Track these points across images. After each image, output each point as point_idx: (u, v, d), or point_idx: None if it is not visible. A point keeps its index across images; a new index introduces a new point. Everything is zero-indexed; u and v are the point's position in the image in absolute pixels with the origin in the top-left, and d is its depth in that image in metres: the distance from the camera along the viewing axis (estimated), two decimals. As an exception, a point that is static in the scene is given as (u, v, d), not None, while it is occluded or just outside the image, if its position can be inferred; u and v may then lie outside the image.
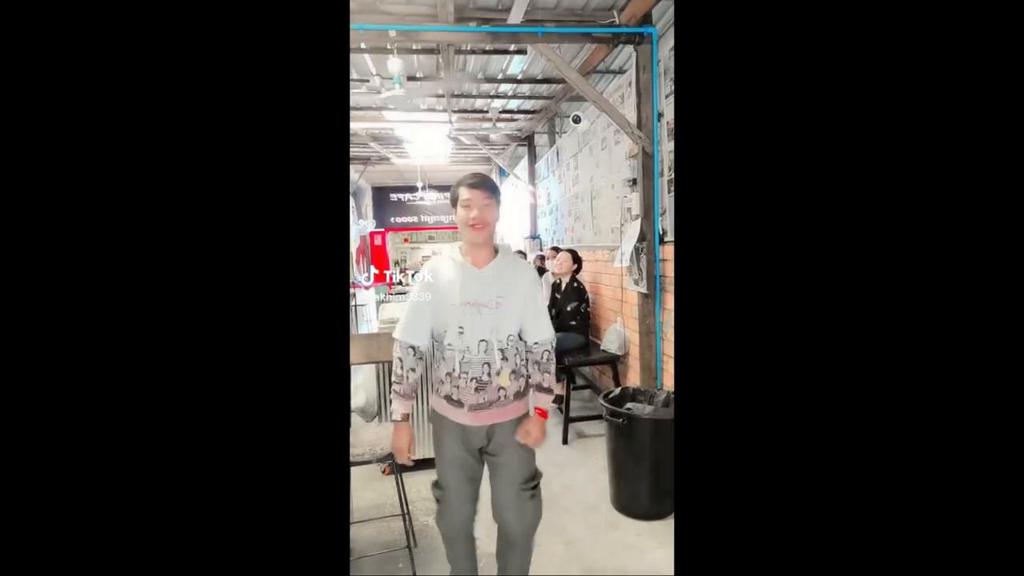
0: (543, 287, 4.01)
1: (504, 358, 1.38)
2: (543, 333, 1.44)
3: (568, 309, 3.29)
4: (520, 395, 1.43)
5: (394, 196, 10.02)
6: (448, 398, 1.39)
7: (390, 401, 1.40)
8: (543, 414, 1.40)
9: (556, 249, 3.79)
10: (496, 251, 1.42)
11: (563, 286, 3.40)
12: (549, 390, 1.43)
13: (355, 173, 7.64)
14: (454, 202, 1.39)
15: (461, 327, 1.34)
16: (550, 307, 3.56)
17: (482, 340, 1.35)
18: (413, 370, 1.41)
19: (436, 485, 1.47)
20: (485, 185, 1.37)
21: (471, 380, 1.35)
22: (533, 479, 1.44)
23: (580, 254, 3.49)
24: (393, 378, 1.41)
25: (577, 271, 3.40)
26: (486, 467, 1.46)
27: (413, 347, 1.41)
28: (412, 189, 8.97)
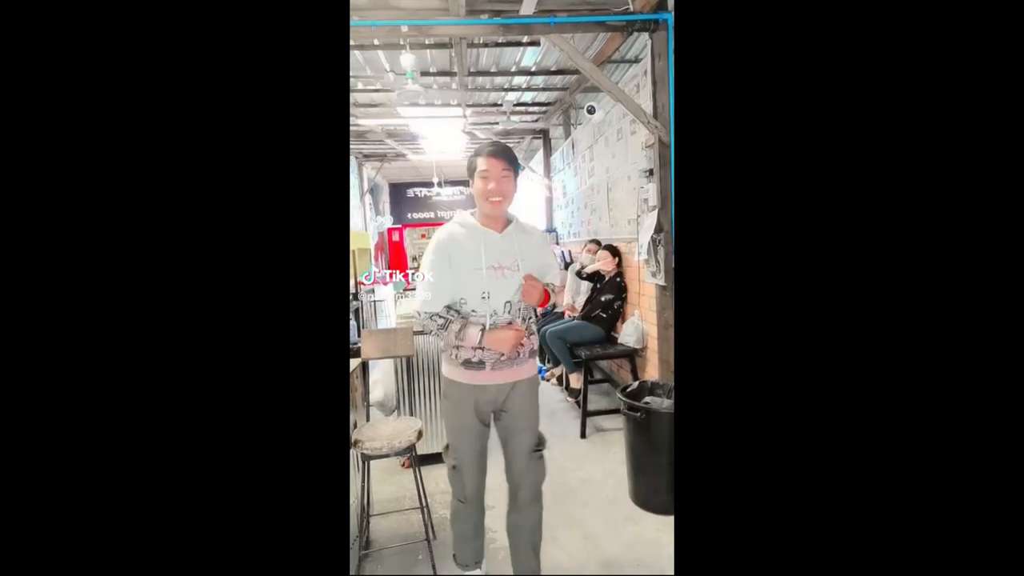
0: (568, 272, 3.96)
1: (522, 317, 1.42)
2: (554, 276, 1.53)
3: (602, 299, 3.27)
4: (532, 353, 1.48)
5: (410, 192, 10.08)
6: (467, 362, 1.40)
7: (459, 343, 1.37)
8: (546, 291, 1.43)
9: (596, 243, 3.73)
10: (509, 220, 1.43)
11: (605, 278, 3.37)
12: (552, 289, 1.49)
13: (372, 170, 7.71)
14: (471, 172, 1.36)
15: (485, 292, 1.35)
16: (587, 301, 3.51)
17: (507, 301, 1.38)
18: (450, 317, 1.37)
19: (448, 451, 1.50)
20: (504, 155, 1.33)
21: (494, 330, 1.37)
22: (540, 444, 1.50)
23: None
24: (444, 337, 1.38)
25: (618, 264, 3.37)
26: (495, 434, 1.51)
27: (436, 313, 1.38)
28: (428, 185, 9.01)
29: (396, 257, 8.40)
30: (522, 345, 1.39)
